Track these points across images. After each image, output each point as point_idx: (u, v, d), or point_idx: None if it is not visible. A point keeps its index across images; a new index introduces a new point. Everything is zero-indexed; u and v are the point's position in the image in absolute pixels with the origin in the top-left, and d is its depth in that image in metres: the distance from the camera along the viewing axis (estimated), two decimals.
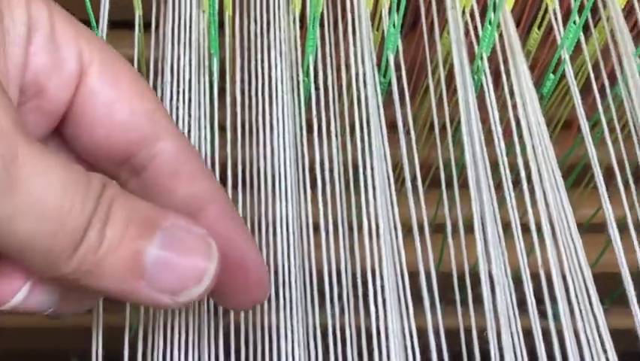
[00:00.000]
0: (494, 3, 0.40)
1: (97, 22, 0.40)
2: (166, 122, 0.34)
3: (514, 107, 0.41)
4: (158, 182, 0.34)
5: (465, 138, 0.40)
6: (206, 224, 0.32)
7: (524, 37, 0.47)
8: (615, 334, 0.37)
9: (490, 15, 0.40)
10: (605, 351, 0.37)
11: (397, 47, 0.41)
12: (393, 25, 0.41)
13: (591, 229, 0.55)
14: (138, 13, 0.42)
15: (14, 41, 0.30)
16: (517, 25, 0.46)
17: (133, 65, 0.41)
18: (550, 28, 0.45)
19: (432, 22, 0.46)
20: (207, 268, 0.30)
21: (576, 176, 0.54)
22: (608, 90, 0.44)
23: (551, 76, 0.43)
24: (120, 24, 0.43)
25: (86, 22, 0.38)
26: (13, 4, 0.30)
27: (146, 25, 0.44)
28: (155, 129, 0.33)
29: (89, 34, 0.33)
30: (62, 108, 0.32)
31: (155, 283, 0.30)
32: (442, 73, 0.44)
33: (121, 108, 0.33)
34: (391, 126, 0.42)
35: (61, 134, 0.34)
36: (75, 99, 0.32)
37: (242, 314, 0.37)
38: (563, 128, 0.55)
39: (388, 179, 0.40)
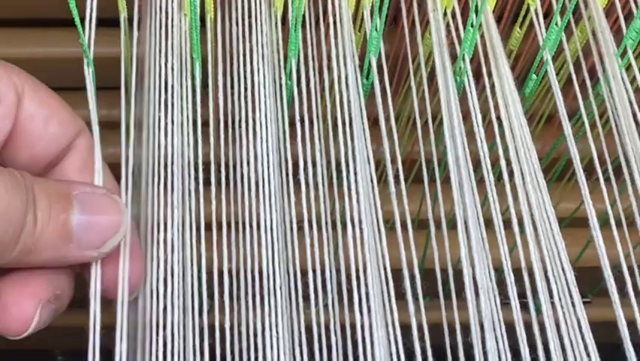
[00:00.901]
0: (476, 5, 0.40)
1: (82, 19, 0.39)
2: (81, 120, 0.39)
3: (497, 107, 0.41)
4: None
5: (447, 141, 0.40)
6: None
7: (505, 34, 0.47)
8: (592, 326, 0.38)
9: (473, 17, 0.40)
10: (586, 347, 0.37)
11: (380, 49, 0.41)
12: (376, 28, 0.40)
13: (573, 223, 0.56)
14: (123, 15, 0.41)
15: None
16: (498, 22, 0.46)
17: (120, 65, 0.42)
18: (531, 24, 0.44)
19: (413, 20, 0.46)
20: (121, 219, 0.36)
21: (558, 170, 0.54)
22: (590, 90, 0.44)
23: (534, 77, 0.43)
24: (105, 22, 0.42)
25: (71, 21, 0.37)
26: None
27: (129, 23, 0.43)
28: (77, 130, 0.38)
29: (16, 67, 0.37)
30: (4, 136, 0.37)
31: (83, 243, 0.35)
32: (424, 72, 0.44)
33: (53, 122, 0.38)
34: (374, 122, 0.42)
35: None
36: (16, 124, 0.37)
37: (227, 322, 0.37)
38: (544, 122, 0.55)
39: (372, 181, 0.40)
